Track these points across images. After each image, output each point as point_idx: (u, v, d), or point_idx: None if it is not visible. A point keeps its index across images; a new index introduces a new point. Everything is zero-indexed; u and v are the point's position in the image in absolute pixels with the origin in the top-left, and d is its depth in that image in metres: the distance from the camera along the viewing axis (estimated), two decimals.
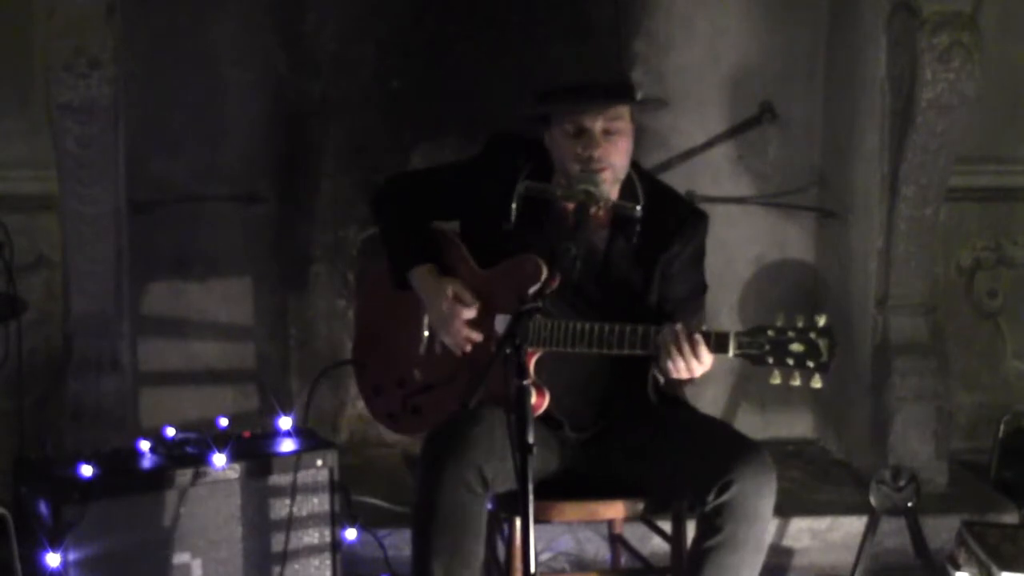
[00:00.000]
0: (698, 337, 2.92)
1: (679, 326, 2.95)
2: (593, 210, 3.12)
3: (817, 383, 2.87)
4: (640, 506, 3.20)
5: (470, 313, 3.19)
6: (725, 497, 2.98)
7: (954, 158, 4.24)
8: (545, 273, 3.05)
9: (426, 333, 3.31)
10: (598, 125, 3.13)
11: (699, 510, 3.04)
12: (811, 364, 2.86)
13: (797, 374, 2.87)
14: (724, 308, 4.67)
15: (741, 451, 3.03)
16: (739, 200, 4.69)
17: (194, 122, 4.46)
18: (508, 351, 2.64)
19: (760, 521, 3.02)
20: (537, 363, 3.11)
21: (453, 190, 3.34)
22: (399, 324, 3.35)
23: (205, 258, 4.56)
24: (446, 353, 3.27)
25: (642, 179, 3.27)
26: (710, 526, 3.01)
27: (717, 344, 2.93)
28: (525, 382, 2.62)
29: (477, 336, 3.19)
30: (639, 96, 3.22)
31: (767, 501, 3.02)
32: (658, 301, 3.23)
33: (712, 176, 4.68)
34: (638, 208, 3.16)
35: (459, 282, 3.23)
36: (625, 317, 3.10)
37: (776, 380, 2.89)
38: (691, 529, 3.12)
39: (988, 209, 4.72)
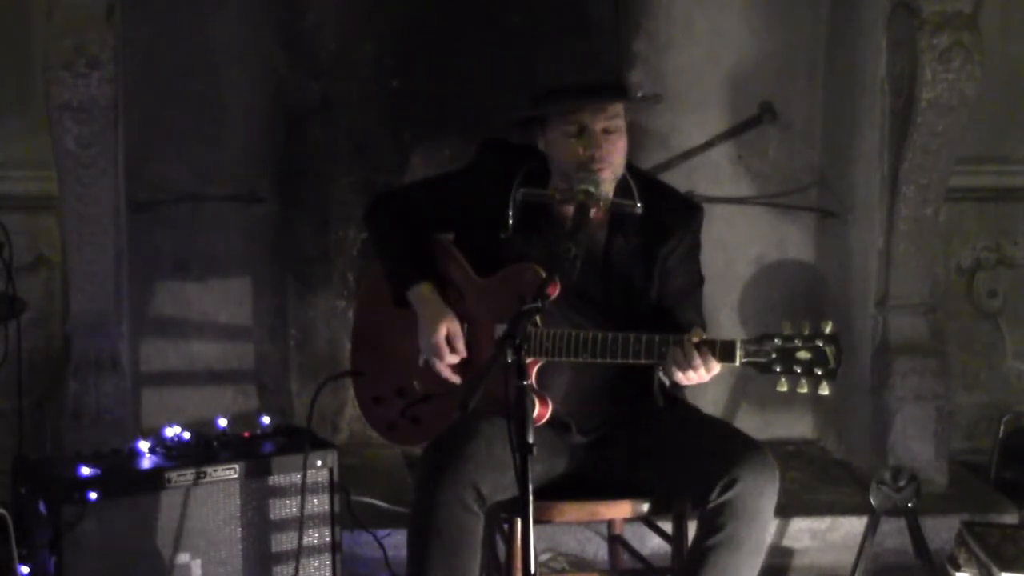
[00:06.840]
0: (704, 347, 2.92)
1: (685, 336, 2.94)
2: (593, 211, 3.11)
3: (824, 390, 2.87)
4: (641, 506, 3.20)
5: (454, 359, 3.18)
6: (728, 495, 2.99)
7: (954, 158, 4.24)
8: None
9: None
10: (599, 124, 3.12)
11: (701, 509, 3.04)
12: (819, 371, 2.86)
13: (804, 381, 2.87)
14: (724, 308, 4.67)
15: (744, 450, 3.04)
16: (739, 200, 4.69)
17: (194, 122, 4.46)
18: (508, 352, 2.62)
19: (761, 520, 3.02)
20: (541, 368, 3.09)
21: (448, 200, 3.31)
22: (399, 333, 3.30)
23: (205, 258, 4.55)
24: None
25: (635, 176, 3.26)
26: (712, 525, 3.01)
27: (723, 353, 2.92)
28: (525, 383, 2.61)
29: (457, 379, 3.18)
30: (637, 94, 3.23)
31: (769, 500, 3.03)
32: (657, 295, 3.22)
33: (712, 176, 4.67)
34: (638, 206, 3.15)
35: (456, 321, 3.19)
36: (627, 315, 3.10)
37: (783, 388, 2.89)
38: (692, 529, 3.13)
39: (988, 209, 4.72)
